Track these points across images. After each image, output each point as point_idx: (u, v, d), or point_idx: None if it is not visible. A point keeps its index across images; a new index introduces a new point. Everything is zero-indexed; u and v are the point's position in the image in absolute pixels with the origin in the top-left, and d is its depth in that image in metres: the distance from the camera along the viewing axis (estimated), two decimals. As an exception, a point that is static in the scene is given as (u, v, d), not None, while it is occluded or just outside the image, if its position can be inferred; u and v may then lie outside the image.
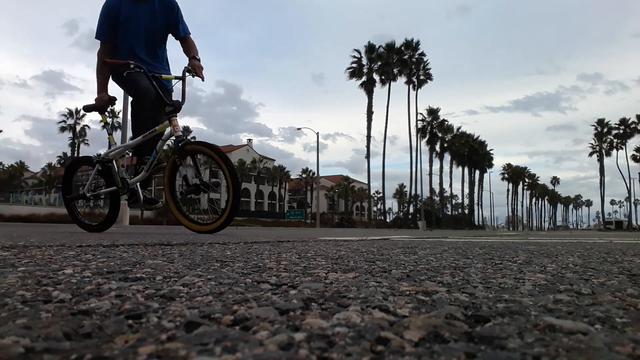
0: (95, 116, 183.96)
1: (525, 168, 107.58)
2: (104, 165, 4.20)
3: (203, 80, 4.09)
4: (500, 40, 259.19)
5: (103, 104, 4.15)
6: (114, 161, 4.19)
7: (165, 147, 4.08)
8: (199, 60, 4.13)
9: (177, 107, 3.77)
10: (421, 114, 68.08)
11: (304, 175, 75.55)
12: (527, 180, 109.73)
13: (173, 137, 3.80)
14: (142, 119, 4.00)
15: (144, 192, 4.22)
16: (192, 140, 3.80)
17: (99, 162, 4.21)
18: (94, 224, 4.37)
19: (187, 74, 3.98)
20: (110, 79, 4.18)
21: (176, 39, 4.30)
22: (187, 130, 67.29)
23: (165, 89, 4.01)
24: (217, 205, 4.13)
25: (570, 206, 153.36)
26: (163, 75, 3.99)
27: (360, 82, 56.27)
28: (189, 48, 4.24)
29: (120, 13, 4.01)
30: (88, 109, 4.29)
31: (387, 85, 56.51)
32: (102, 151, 4.43)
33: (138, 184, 4.12)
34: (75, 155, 65.58)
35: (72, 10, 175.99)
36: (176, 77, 3.98)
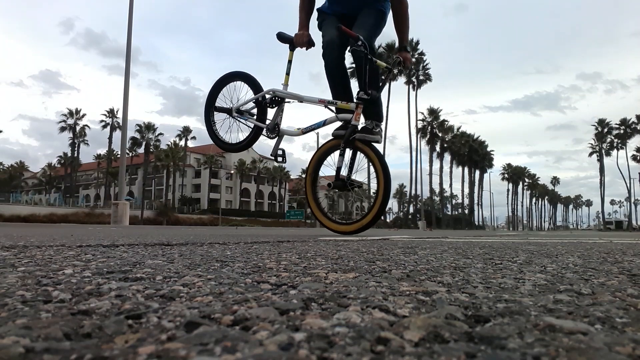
0: (93, 117, 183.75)
1: (525, 168, 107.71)
2: (267, 100, 3.91)
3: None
4: (498, 39, 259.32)
5: (302, 43, 3.84)
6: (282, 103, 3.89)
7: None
8: (410, 52, 3.90)
9: (371, 99, 3.47)
10: (422, 113, 68.13)
11: (304, 175, 75.34)
12: (527, 180, 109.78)
13: (339, 123, 3.59)
14: (329, 73, 3.72)
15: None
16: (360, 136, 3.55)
17: (267, 94, 3.90)
18: (228, 142, 4.21)
19: (397, 66, 3.75)
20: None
21: None
22: (187, 130, 67.20)
23: (373, 69, 3.58)
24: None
25: (570, 206, 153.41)
26: (378, 62, 3.65)
27: (360, 82, 56.20)
28: (402, 27, 3.79)
29: None
30: (284, 39, 3.94)
31: (387, 85, 56.49)
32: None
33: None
34: (76, 155, 65.53)
35: (68, 9, 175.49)
36: (387, 67, 3.69)
